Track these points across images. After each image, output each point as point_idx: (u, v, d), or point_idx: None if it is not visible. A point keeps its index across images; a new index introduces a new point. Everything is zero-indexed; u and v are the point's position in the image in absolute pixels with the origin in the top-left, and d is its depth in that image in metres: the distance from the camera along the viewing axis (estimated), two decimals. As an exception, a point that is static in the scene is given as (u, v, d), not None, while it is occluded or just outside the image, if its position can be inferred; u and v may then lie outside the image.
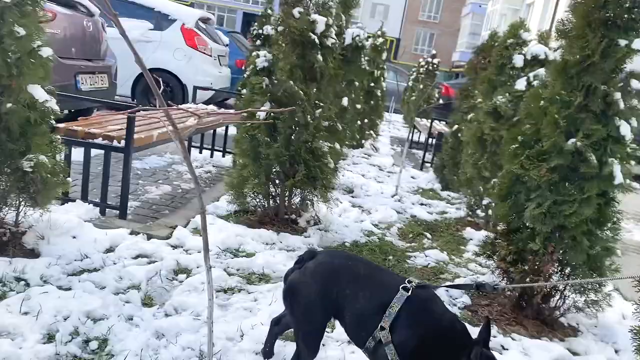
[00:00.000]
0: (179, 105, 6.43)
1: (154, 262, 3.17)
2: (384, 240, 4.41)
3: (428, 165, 8.28)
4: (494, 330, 3.07)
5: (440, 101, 12.12)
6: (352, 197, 5.72)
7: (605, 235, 3.08)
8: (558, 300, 3.26)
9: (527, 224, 3.13)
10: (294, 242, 3.90)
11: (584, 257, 3.04)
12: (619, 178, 2.83)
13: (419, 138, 11.05)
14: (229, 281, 3.09)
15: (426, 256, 4.16)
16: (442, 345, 1.76)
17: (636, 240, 5.92)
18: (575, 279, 3.14)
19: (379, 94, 9.04)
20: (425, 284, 1.96)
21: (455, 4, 45.78)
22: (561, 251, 3.10)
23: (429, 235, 4.72)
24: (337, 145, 4.35)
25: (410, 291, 1.84)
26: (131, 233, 3.55)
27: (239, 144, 4.16)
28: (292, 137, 4.00)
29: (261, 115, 3.94)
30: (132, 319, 2.50)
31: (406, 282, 1.88)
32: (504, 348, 2.89)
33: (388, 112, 13.84)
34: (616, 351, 3.05)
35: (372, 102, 8.95)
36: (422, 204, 5.89)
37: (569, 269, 3.16)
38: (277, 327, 2.28)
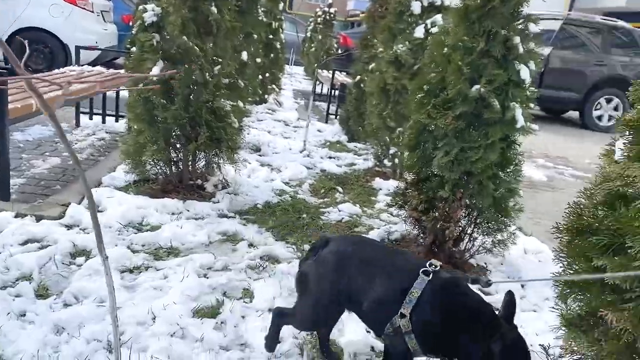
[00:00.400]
0: (48, 73, 5.83)
1: (47, 247, 2.85)
2: (297, 199, 4.32)
3: (333, 117, 8.25)
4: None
5: (339, 51, 12.05)
6: (260, 155, 5.56)
7: (508, 177, 3.19)
8: (467, 243, 3.37)
9: (436, 173, 3.16)
10: (202, 209, 3.71)
11: (490, 200, 3.14)
12: (520, 121, 2.90)
13: (321, 90, 10.96)
14: (134, 259, 2.86)
15: (339, 210, 4.14)
16: (468, 331, 1.65)
17: (527, 176, 6.31)
18: (483, 221, 3.25)
19: (278, 46, 8.78)
20: (448, 271, 1.84)
21: (347, -49, 45.31)
22: (469, 196, 3.18)
23: (340, 189, 4.70)
24: (240, 103, 4.13)
25: (431, 275, 1.72)
26: (16, 216, 3.18)
27: (132, 108, 3.81)
28: (191, 97, 3.73)
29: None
30: (24, 315, 2.23)
31: (427, 265, 1.75)
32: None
33: (288, 64, 13.58)
34: (522, 285, 3.21)
35: (272, 55, 8.69)
36: (330, 157, 5.86)
37: (476, 212, 3.25)
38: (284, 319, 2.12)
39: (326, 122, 7.98)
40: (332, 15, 12.55)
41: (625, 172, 1.37)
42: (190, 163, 4.05)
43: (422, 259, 1.89)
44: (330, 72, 8.97)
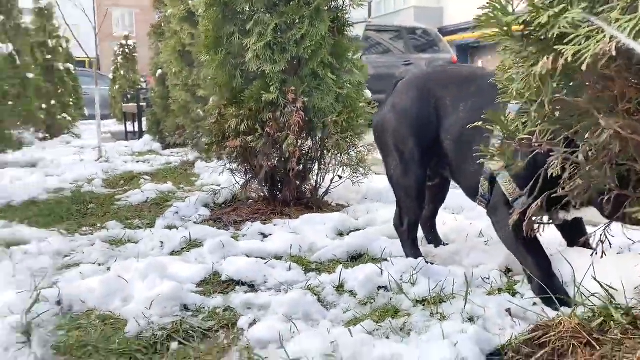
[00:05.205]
0: None
1: None
2: (80, 192, 3.07)
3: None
4: (254, 227, 2.08)
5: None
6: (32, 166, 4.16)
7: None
8: (320, 171, 2.44)
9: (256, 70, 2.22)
10: None
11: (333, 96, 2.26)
12: None
13: (133, 127, 9.43)
14: None
15: (143, 192, 2.98)
16: None
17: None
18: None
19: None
20: None
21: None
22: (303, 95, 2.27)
23: (147, 177, 3.55)
24: None
25: None
26: None
27: None
28: None
29: None
30: None
31: None
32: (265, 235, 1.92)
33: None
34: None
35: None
36: (138, 162, 4.64)
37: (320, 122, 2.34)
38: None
39: (140, 139, 6.66)
40: (132, 47, 11.18)
41: None
42: None
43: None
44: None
